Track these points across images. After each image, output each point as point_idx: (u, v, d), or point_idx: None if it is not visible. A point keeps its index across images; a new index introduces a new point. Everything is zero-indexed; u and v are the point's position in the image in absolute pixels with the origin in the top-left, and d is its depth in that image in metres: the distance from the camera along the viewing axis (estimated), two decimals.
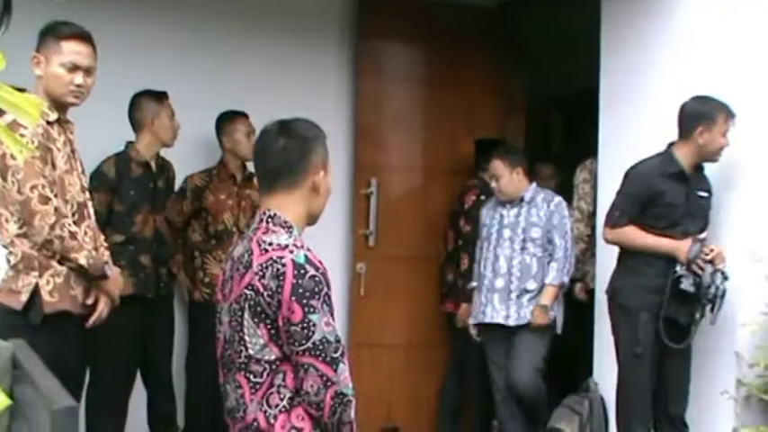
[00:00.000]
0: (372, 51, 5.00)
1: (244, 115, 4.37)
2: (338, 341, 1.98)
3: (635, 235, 3.66)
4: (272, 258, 1.97)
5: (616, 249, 3.80)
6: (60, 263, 2.82)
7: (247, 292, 1.98)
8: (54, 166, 2.83)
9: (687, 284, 3.47)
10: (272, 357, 1.97)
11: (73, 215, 2.89)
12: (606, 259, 4.15)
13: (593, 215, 4.58)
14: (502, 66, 5.26)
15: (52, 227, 2.75)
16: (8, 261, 2.82)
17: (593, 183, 4.59)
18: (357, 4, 4.95)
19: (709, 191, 3.65)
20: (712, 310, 3.45)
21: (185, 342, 4.32)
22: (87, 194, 3.04)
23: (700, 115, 3.55)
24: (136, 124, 3.95)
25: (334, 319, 2.00)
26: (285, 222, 2.06)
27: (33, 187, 2.73)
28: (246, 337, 1.98)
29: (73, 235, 2.83)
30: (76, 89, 2.90)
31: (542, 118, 6.53)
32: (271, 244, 2.00)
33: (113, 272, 3.01)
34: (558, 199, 4.38)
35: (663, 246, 3.58)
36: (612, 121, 4.30)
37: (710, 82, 3.67)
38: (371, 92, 4.99)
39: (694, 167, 3.64)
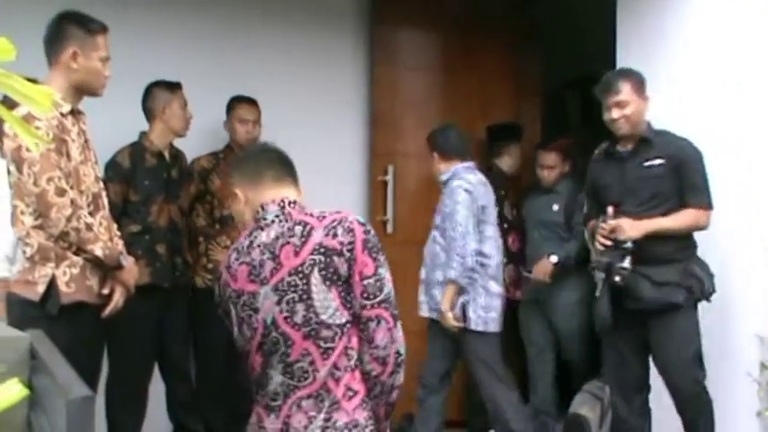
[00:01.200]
0: (387, 38, 4.98)
1: (247, 101, 4.33)
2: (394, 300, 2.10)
3: (589, 230, 3.72)
4: (336, 219, 2.08)
5: None
6: (76, 254, 2.83)
7: (315, 257, 2.03)
8: (69, 158, 2.83)
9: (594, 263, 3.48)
10: (343, 320, 2.04)
11: (88, 206, 2.89)
12: None
13: None
14: (517, 49, 5.23)
15: (68, 219, 2.75)
16: (24, 252, 2.83)
17: None
18: None
19: (664, 156, 3.44)
20: (606, 282, 3.39)
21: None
22: (101, 185, 3.05)
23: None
24: (149, 114, 3.95)
25: None
26: (304, 209, 2.15)
27: (49, 179, 2.73)
28: (317, 303, 2.03)
29: (89, 226, 2.83)
30: (106, 80, 2.99)
31: (559, 101, 6.48)
32: (322, 212, 2.11)
33: (128, 262, 3.01)
34: (454, 184, 4.01)
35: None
36: None
37: (724, 66, 3.63)
38: (387, 78, 4.98)
39: (630, 140, 3.53)
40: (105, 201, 3.05)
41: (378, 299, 2.04)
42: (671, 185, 3.45)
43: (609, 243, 3.40)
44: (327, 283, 2.03)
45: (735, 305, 3.58)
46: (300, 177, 2.24)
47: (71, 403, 1.53)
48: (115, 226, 3.14)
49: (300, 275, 2.04)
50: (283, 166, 2.23)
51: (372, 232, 2.11)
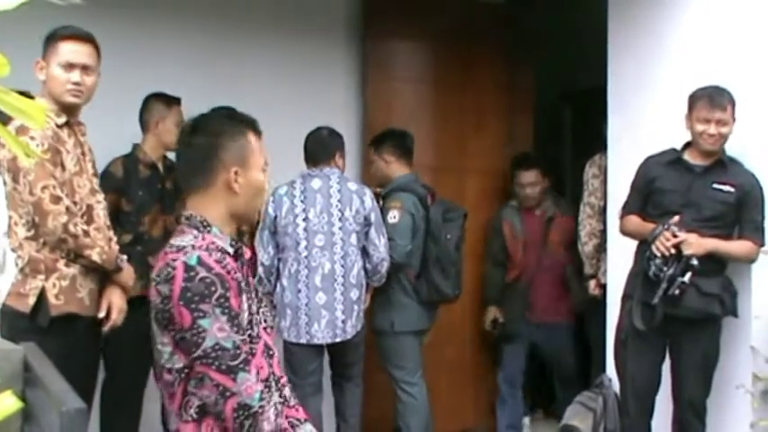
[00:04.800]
0: (379, 52, 4.98)
1: None
2: (237, 348, 1.87)
3: (631, 223, 3.70)
4: (166, 263, 1.90)
5: (624, 244, 3.80)
6: (68, 264, 2.83)
7: (152, 299, 1.93)
8: (63, 168, 2.84)
9: (652, 267, 3.43)
10: (181, 365, 1.91)
11: (81, 217, 2.89)
12: (615, 254, 4.15)
13: (603, 210, 4.56)
14: (510, 63, 5.24)
15: (65, 225, 2.76)
16: (16, 264, 2.83)
17: (603, 178, 4.58)
18: (363, 5, 4.95)
19: (735, 184, 3.49)
20: (665, 293, 3.38)
21: None
22: (98, 198, 3.03)
23: (688, 103, 3.56)
24: (143, 125, 3.95)
25: (236, 325, 1.89)
26: (202, 222, 1.98)
27: (44, 188, 2.74)
28: (159, 346, 1.93)
29: (86, 233, 2.84)
30: (74, 87, 2.90)
31: (552, 114, 6.51)
32: (172, 246, 1.94)
33: (125, 264, 3.02)
34: None
35: (643, 231, 3.58)
36: (621, 117, 4.28)
37: (719, 75, 3.65)
38: (379, 92, 4.98)
39: (710, 158, 3.54)
40: (101, 213, 3.02)
41: (195, 354, 1.85)
42: (733, 213, 3.51)
43: (669, 253, 3.39)
44: (160, 327, 1.91)
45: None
46: None
47: (64, 415, 1.53)
48: (111, 232, 3.12)
49: (150, 315, 1.95)
50: (192, 164, 2.04)
51: (199, 277, 1.84)
